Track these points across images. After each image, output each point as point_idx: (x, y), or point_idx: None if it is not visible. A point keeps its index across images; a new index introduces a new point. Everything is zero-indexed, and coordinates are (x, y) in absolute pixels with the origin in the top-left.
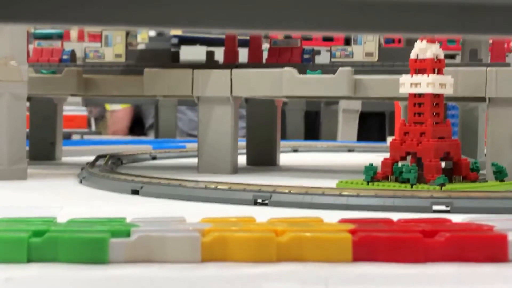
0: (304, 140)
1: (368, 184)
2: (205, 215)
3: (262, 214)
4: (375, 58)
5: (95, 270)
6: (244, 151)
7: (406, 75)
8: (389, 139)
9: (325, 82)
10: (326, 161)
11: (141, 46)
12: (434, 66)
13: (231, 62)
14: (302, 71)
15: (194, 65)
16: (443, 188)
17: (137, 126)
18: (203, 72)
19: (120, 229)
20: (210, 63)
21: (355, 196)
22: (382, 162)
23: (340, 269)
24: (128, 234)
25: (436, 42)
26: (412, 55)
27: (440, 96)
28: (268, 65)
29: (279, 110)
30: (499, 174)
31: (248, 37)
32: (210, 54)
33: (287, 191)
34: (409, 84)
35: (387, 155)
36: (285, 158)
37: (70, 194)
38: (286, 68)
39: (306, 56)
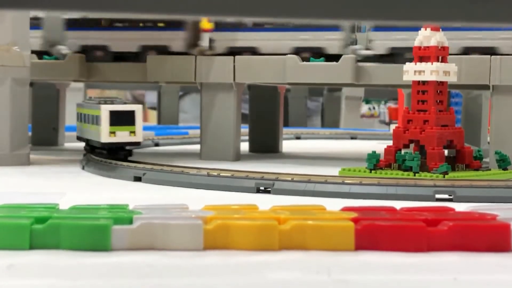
0: (307, 127)
1: (371, 172)
2: (208, 203)
3: (265, 202)
4: None
5: (98, 257)
6: (247, 138)
7: (410, 63)
8: (392, 126)
9: (329, 69)
10: (329, 148)
11: None
12: (438, 54)
13: None
14: (305, 58)
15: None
16: (446, 176)
17: None
18: (206, 59)
19: (123, 216)
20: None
21: (358, 184)
22: (385, 149)
23: (342, 258)
24: (130, 221)
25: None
26: (416, 43)
27: (444, 84)
28: None
29: (282, 97)
30: (503, 162)
31: None
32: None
33: (289, 178)
34: (413, 71)
35: (390, 142)
36: (287, 145)
37: (73, 180)
38: (289, 55)
39: None
